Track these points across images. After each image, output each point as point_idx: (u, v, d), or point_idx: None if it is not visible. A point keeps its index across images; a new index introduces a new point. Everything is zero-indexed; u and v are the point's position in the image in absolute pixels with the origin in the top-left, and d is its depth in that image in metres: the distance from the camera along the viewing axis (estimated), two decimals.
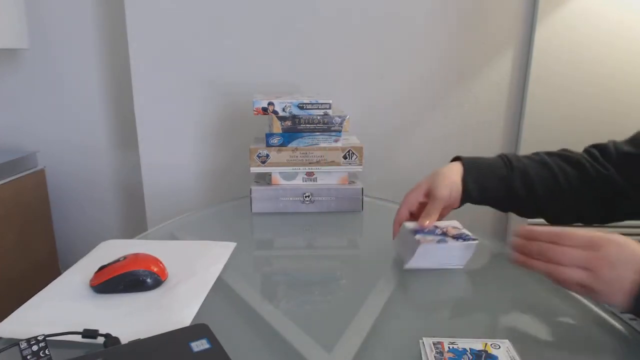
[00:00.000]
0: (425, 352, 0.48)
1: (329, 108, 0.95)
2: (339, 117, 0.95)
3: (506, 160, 0.75)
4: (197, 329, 0.47)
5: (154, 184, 1.39)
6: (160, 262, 0.63)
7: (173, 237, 0.82)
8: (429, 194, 0.71)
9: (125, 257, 0.61)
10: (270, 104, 0.94)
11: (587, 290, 0.50)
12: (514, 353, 0.47)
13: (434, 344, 0.49)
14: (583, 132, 1.28)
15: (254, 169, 0.96)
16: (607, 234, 0.50)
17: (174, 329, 0.48)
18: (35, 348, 0.45)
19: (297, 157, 0.95)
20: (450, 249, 0.66)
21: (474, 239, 0.66)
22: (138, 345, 0.45)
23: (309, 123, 0.95)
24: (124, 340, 0.47)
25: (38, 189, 1.45)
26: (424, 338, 0.50)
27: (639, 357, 0.50)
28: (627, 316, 0.54)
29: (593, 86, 1.26)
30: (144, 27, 1.27)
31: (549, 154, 0.76)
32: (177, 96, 1.33)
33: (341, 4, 1.26)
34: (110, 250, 0.69)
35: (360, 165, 0.97)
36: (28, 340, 0.46)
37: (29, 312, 0.55)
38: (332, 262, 0.74)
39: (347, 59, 1.30)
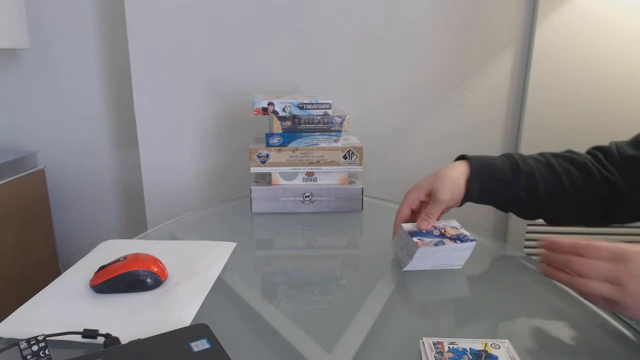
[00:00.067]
0: (425, 352, 0.48)
1: (329, 108, 0.95)
2: (339, 117, 0.95)
3: (512, 162, 0.74)
4: (197, 329, 0.47)
5: (153, 184, 1.39)
6: (160, 262, 0.63)
7: (173, 237, 0.82)
8: (431, 195, 0.71)
9: (125, 257, 0.61)
10: (270, 104, 0.94)
11: (612, 304, 0.48)
12: (514, 353, 0.47)
13: (433, 344, 0.49)
14: (583, 132, 1.28)
15: (254, 169, 0.96)
16: (633, 246, 0.48)
17: (174, 329, 0.48)
18: (35, 348, 0.45)
19: (297, 157, 0.95)
20: (448, 251, 0.65)
21: (472, 240, 0.66)
22: (138, 345, 0.45)
23: (309, 123, 0.95)
24: (124, 340, 0.47)
25: (38, 189, 1.45)
26: (424, 338, 0.50)
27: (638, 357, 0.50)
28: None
29: (593, 86, 1.26)
30: (144, 27, 1.27)
31: (555, 155, 0.75)
32: (177, 96, 1.33)
33: (341, 4, 1.26)
34: (110, 250, 0.69)
35: (360, 165, 0.97)
36: (28, 340, 0.46)
37: (29, 312, 0.55)
38: (332, 262, 0.74)
39: (347, 59, 1.30)
